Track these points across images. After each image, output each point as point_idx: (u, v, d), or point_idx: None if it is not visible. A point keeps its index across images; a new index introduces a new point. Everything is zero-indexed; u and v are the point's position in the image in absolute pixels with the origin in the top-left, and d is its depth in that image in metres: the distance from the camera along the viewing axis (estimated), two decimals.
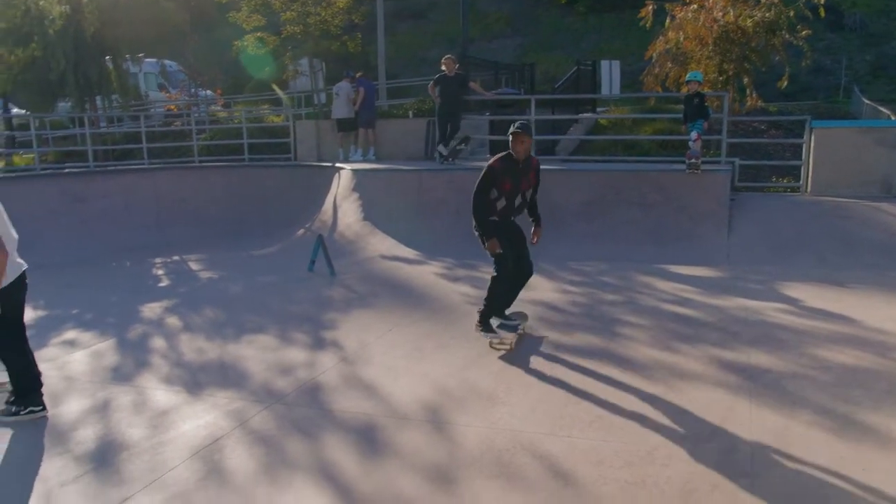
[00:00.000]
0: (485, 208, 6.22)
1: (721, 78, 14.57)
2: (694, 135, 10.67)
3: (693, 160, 10.74)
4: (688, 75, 11.51)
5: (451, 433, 4.89)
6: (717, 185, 10.86)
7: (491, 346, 6.40)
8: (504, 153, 6.28)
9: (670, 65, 15.23)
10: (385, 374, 5.99)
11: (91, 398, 5.90)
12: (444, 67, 12.54)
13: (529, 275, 6.66)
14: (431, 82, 12.84)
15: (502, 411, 5.20)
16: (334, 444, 4.84)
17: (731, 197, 10.91)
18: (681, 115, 11.33)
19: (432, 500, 4.09)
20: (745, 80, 14.87)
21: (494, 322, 6.48)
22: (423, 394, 5.56)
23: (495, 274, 6.36)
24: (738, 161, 11.94)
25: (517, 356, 6.33)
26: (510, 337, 6.48)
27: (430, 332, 7.10)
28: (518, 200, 6.39)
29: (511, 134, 6.18)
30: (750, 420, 4.88)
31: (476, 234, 6.30)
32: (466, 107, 13.10)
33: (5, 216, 5.37)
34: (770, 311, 7.42)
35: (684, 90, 11.81)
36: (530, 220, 6.64)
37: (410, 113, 15.72)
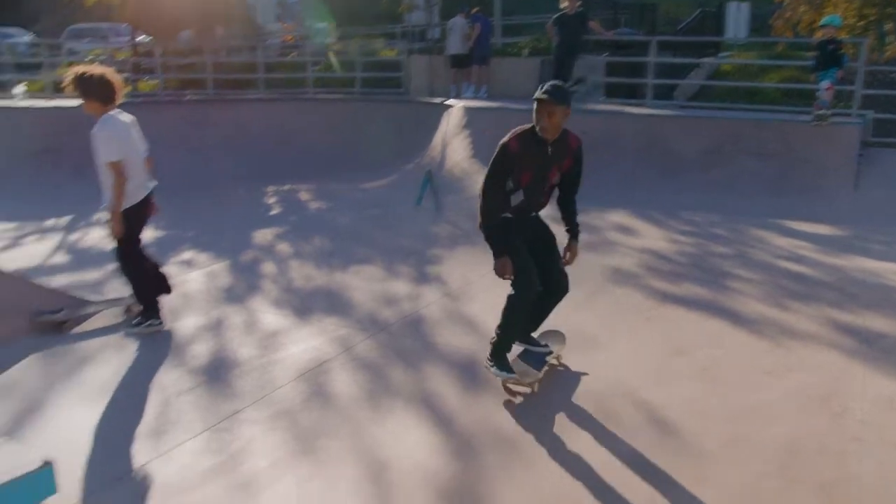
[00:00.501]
0: (496, 205, 4.51)
1: (860, 23, 13.65)
2: (825, 84, 10.05)
3: (821, 111, 10.16)
4: (823, 19, 10.81)
5: (552, 375, 4.89)
6: (845, 139, 10.27)
7: (504, 387, 4.68)
8: (525, 128, 4.41)
9: (804, 8, 14.37)
10: (488, 312, 5.99)
11: (206, 316, 6.18)
12: (564, 5, 12.22)
13: (563, 293, 4.79)
14: (551, 21, 12.54)
15: (604, 356, 5.16)
16: (436, 376, 4.93)
17: (860, 152, 10.30)
18: (811, 63, 10.65)
19: (530, 437, 4.12)
20: (888, 26, 13.88)
21: (517, 349, 4.82)
22: None
23: (513, 293, 4.52)
24: (871, 114, 11.21)
25: (621, 303, 6.25)
26: (533, 375, 4.68)
27: None
28: (543, 194, 4.62)
29: (535, 100, 4.31)
30: (863, 384, 4.67)
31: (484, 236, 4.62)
32: (584, 47, 12.75)
33: (135, 137, 5.60)
34: (892, 273, 7.04)
35: (818, 35, 11.11)
36: (565, 229, 4.80)
37: (525, 51, 15.44)
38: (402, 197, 10.78)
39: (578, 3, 12.32)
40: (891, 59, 14.24)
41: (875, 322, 5.75)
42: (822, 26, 10.48)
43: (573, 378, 4.82)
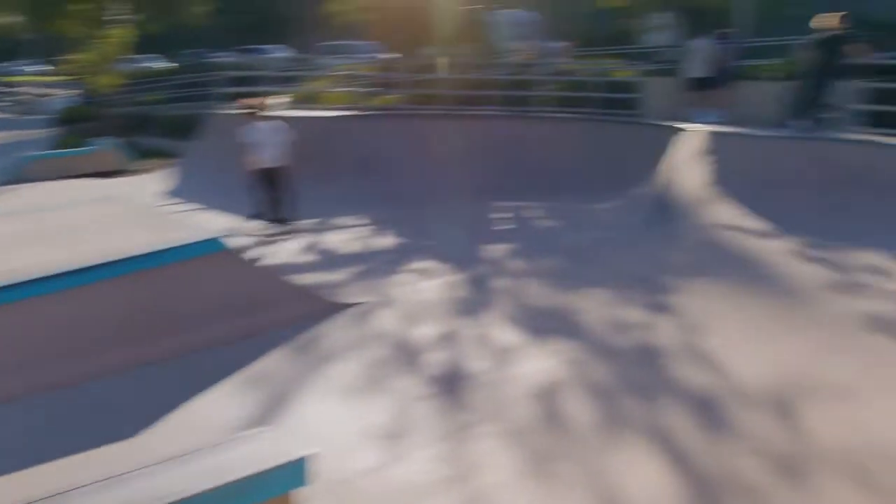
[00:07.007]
0: None
1: None
2: None
3: None
4: None
5: (798, 422, 4.56)
6: None
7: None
8: None
9: None
10: (725, 348, 5.72)
11: (440, 325, 6.39)
12: (826, 25, 11.45)
13: None
14: (807, 41, 11.80)
15: (858, 409, 4.73)
16: (670, 410, 4.76)
17: None
18: None
19: (773, 489, 3.87)
20: None
21: None
22: (767, 375, 5.23)
23: None
24: None
25: (879, 353, 5.70)
26: None
27: (776, 312, 6.63)
28: None
29: None
30: None
31: None
32: (843, 71, 11.87)
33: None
34: None
35: None
36: None
37: (769, 75, 14.62)
38: (632, 220, 10.56)
39: (847, 24, 11.49)
40: None
41: None
42: None
43: (825, 429, 4.46)
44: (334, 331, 6.46)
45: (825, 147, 10.73)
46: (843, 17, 11.43)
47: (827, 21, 11.53)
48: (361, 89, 19.39)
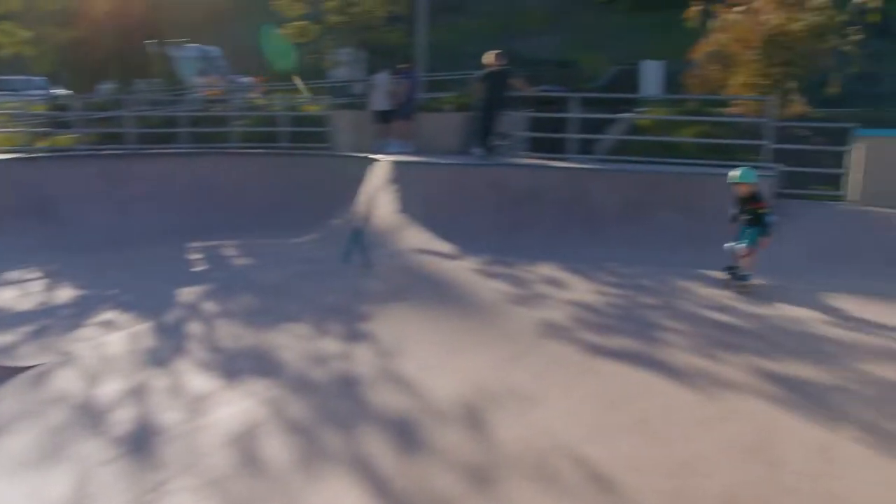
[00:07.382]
0: None
1: (767, 82, 14.29)
2: (742, 247, 8.30)
3: (741, 280, 8.46)
4: (734, 176, 8.41)
5: (489, 433, 4.84)
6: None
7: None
8: None
9: (714, 67, 14.97)
10: (421, 370, 5.94)
11: (127, 380, 5.93)
12: (488, 62, 12.48)
13: None
14: (475, 76, 12.78)
15: (541, 413, 5.14)
16: (369, 437, 4.82)
17: (773, 203, 10.66)
18: (724, 119, 10.94)
19: (467, 499, 4.05)
20: (790, 84, 14.55)
21: None
22: (461, 391, 5.50)
23: None
24: (781, 167, 11.68)
25: (554, 358, 6.26)
26: None
27: (467, 329, 7.03)
28: None
29: None
30: (793, 433, 4.77)
31: None
32: (508, 102, 13.02)
33: None
34: (812, 321, 7.25)
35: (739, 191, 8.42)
36: None
37: (449, 107, 15.63)
38: (329, 253, 10.65)
39: (501, 61, 12.60)
40: (794, 116, 14.88)
41: (800, 370, 5.90)
42: (736, 184, 8.37)
43: (512, 436, 4.77)
44: (3, 399, 5.76)
45: (498, 172, 11.68)
46: (497, 54, 12.62)
47: (489, 58, 12.65)
48: (30, 130, 17.73)
